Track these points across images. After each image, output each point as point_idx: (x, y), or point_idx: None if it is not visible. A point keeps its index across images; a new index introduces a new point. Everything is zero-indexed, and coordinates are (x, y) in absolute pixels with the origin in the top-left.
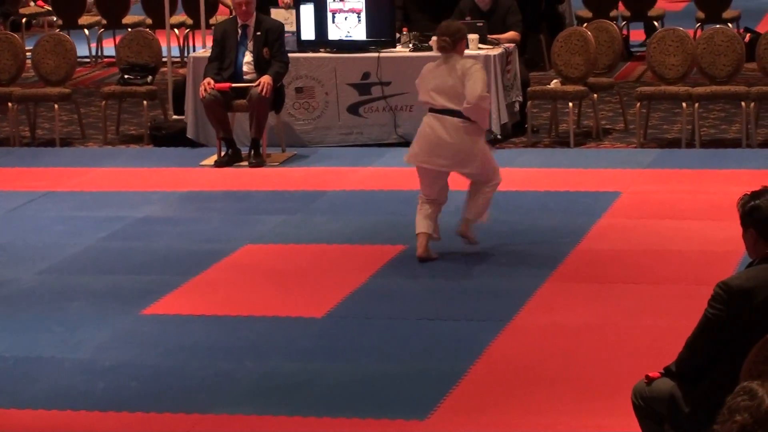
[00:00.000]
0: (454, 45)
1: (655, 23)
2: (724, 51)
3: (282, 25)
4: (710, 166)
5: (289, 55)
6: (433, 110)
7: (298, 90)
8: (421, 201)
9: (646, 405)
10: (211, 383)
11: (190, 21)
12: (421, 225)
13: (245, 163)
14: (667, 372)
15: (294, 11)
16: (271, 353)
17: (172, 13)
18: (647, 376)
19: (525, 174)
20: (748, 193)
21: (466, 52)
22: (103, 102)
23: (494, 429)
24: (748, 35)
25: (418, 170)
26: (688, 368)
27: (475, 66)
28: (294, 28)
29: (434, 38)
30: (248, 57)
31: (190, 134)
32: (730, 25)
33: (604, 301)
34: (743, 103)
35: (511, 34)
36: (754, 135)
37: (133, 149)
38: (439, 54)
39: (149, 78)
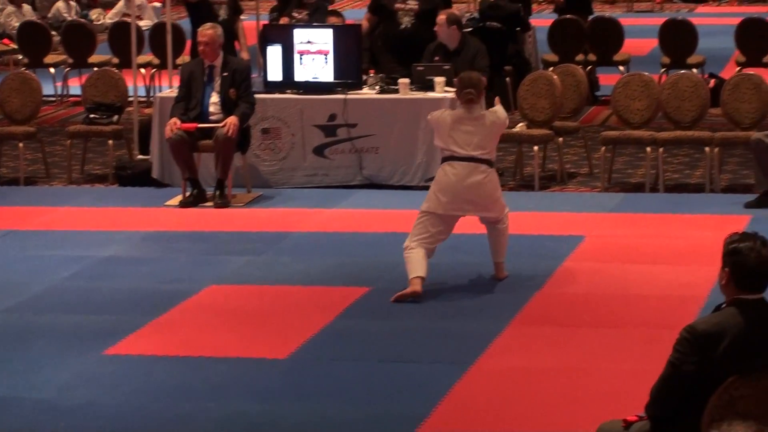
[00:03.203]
0: (479, 95)
1: (621, 68)
2: (689, 96)
3: (249, 66)
4: (674, 211)
5: (256, 95)
6: (454, 158)
7: (265, 131)
8: (416, 245)
9: None
10: (174, 424)
11: (156, 61)
12: (420, 269)
13: (210, 203)
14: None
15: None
16: (234, 395)
17: (139, 52)
18: (625, 420)
19: None
20: (739, 232)
21: (432, 95)
22: (69, 141)
23: None
24: (712, 81)
25: (430, 219)
26: (657, 411)
27: (500, 114)
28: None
29: (454, 91)
30: (215, 97)
31: (155, 174)
32: (694, 70)
33: (567, 345)
34: (707, 149)
35: None
36: (717, 180)
37: (98, 189)
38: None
39: (115, 117)
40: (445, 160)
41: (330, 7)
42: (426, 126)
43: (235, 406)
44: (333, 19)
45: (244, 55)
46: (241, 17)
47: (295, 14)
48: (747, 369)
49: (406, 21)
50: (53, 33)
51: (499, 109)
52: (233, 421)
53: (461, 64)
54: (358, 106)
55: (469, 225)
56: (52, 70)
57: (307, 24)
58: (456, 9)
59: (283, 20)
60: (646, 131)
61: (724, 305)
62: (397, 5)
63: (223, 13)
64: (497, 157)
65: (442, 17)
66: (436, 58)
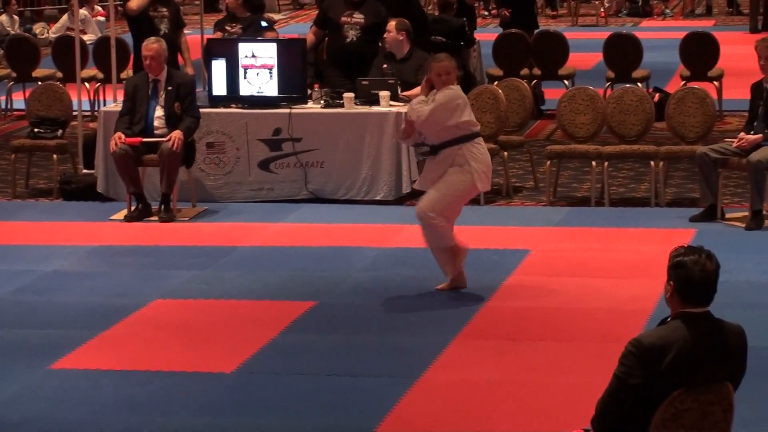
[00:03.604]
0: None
1: (566, 82)
2: (634, 110)
3: (194, 80)
4: (619, 225)
5: (201, 110)
6: (479, 135)
7: (209, 145)
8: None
9: None
10: None
11: (101, 75)
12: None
13: (155, 217)
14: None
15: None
16: (180, 408)
17: (83, 66)
18: None
19: None
20: (684, 246)
21: (377, 109)
22: (13, 155)
23: None
24: (657, 95)
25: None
26: (603, 425)
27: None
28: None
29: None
30: (159, 111)
31: (100, 188)
32: (639, 84)
33: (512, 359)
34: (652, 163)
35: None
36: (662, 194)
37: (42, 203)
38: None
39: (59, 132)
40: (474, 135)
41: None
42: (371, 140)
43: (181, 420)
44: (270, 35)
45: (189, 70)
46: (184, 31)
47: (228, 29)
48: (692, 382)
49: (351, 34)
50: None
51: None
52: None
53: (407, 72)
54: (303, 120)
55: (414, 239)
56: None
57: (252, 38)
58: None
59: (217, 35)
60: (591, 145)
61: (669, 319)
62: (343, 19)
63: (165, 27)
64: None
65: (392, 23)
66: (385, 66)
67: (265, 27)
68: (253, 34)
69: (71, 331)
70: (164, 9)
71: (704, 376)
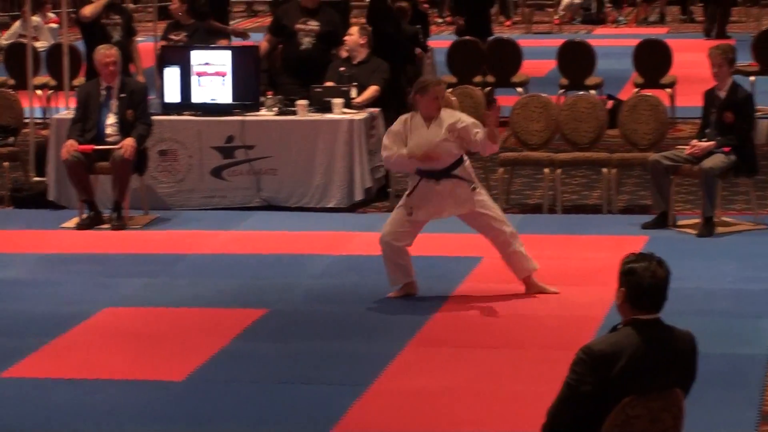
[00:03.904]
0: (412, 96)
1: (519, 89)
2: (587, 118)
3: (146, 88)
4: (571, 232)
5: (153, 117)
6: None
7: (162, 153)
8: None
9: None
10: None
11: (53, 82)
12: None
13: (107, 225)
14: None
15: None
16: (131, 416)
17: (35, 73)
18: None
19: None
20: (635, 253)
21: (330, 116)
22: None
23: None
24: (610, 102)
25: None
26: None
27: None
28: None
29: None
30: (112, 119)
31: (51, 196)
32: (592, 92)
33: (464, 366)
34: (605, 170)
35: (372, 89)
36: (615, 201)
37: None
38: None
39: (11, 139)
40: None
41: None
42: (324, 147)
43: (132, 428)
44: (223, 42)
45: (140, 78)
46: (136, 39)
47: (172, 37)
48: (643, 389)
49: (306, 42)
50: None
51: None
52: None
53: (364, 76)
54: (256, 127)
55: (367, 246)
56: None
57: (206, 45)
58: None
59: (162, 43)
60: (544, 152)
61: (620, 325)
62: (298, 26)
63: (117, 35)
64: (395, 178)
65: (354, 28)
66: (342, 69)
67: (220, 35)
68: (199, 41)
69: (21, 339)
70: (117, 17)
71: (655, 383)
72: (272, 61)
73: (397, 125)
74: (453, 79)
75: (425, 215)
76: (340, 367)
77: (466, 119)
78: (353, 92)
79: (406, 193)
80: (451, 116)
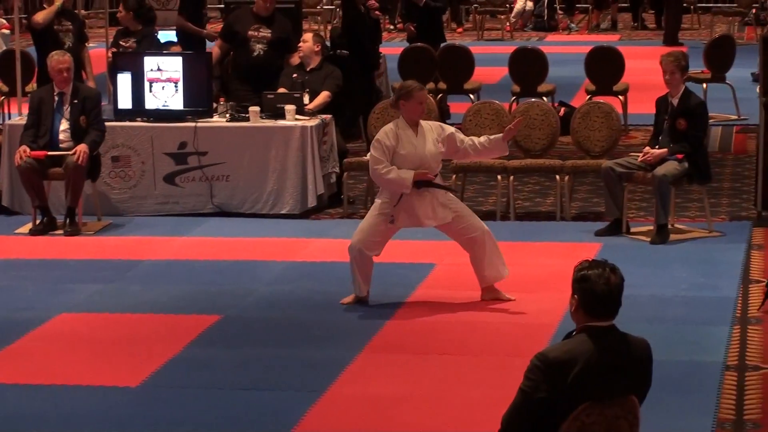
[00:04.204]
0: (395, 104)
1: (471, 96)
2: (539, 124)
3: (99, 94)
4: (525, 239)
5: (106, 123)
6: None
7: (115, 159)
8: None
9: None
10: None
11: (5, 88)
12: None
13: (60, 231)
14: None
15: None
16: (85, 422)
17: None
18: None
19: (341, 245)
20: (588, 260)
21: (283, 123)
22: None
23: None
24: (562, 109)
25: None
26: None
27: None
28: None
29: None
30: (65, 125)
31: (5, 202)
32: (545, 98)
33: (418, 372)
34: (557, 177)
35: (323, 94)
36: (568, 208)
37: None
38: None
39: None
40: None
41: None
42: (276, 154)
43: None
44: (175, 48)
45: (91, 84)
46: (87, 45)
47: (122, 43)
48: (598, 396)
49: (258, 48)
50: None
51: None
52: None
53: (316, 82)
54: (209, 134)
55: (320, 253)
56: None
57: (158, 52)
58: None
59: (112, 50)
60: (497, 159)
61: (574, 332)
62: (250, 33)
63: (69, 41)
64: (348, 185)
65: (309, 34)
66: (294, 75)
67: (171, 42)
68: (147, 47)
69: None
70: (68, 23)
71: (610, 390)
72: (224, 67)
73: (386, 138)
74: None
75: (406, 223)
76: (295, 374)
77: (446, 127)
78: (306, 98)
79: (387, 202)
80: (430, 126)
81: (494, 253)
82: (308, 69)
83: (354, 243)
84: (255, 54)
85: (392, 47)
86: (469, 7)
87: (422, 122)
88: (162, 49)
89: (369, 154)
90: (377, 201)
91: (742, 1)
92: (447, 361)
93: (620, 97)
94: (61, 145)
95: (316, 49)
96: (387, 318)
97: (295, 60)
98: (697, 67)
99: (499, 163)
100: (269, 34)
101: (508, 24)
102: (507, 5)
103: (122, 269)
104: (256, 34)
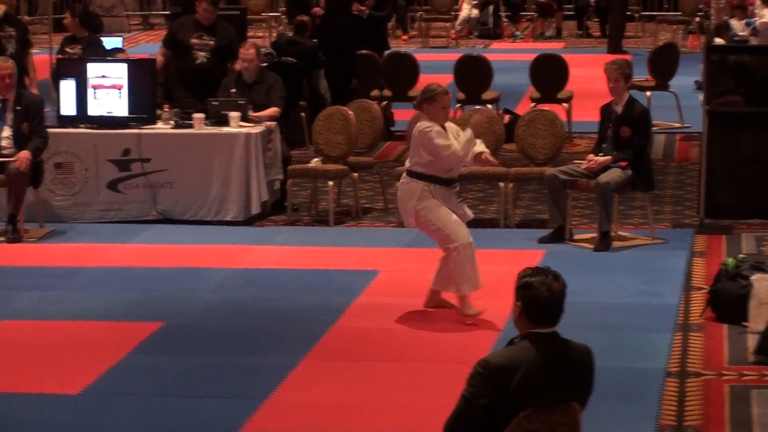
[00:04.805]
0: (419, 106)
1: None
2: (484, 132)
3: (42, 100)
4: None
5: (49, 130)
6: None
7: (57, 165)
8: None
9: None
10: None
11: None
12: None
13: (2, 238)
14: None
15: None
16: (26, 430)
17: None
18: None
19: (284, 252)
20: (531, 267)
21: (227, 129)
22: None
23: None
24: (507, 116)
25: None
26: None
27: (432, 129)
28: None
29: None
30: (7, 131)
31: None
32: (489, 106)
33: (362, 379)
34: (501, 184)
35: (272, 110)
36: (512, 215)
37: None
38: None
39: None
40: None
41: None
42: (220, 161)
43: None
44: (121, 56)
45: (34, 90)
46: (31, 51)
47: (68, 50)
48: (540, 402)
49: (201, 56)
50: None
51: (420, 122)
52: None
53: (257, 96)
54: (153, 140)
55: (263, 259)
56: None
57: (102, 58)
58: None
59: (57, 56)
60: None
61: (517, 339)
62: (193, 40)
63: (12, 47)
64: (292, 192)
65: (249, 43)
66: (232, 90)
67: (116, 48)
68: (93, 54)
69: None
70: (12, 29)
71: (552, 396)
72: (168, 74)
73: (434, 126)
74: None
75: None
76: (237, 381)
77: (464, 131)
78: (249, 113)
79: (426, 192)
80: (453, 127)
81: (464, 266)
82: (249, 81)
83: (466, 240)
84: (198, 62)
85: None
86: (414, 14)
87: (447, 123)
88: (108, 55)
89: (435, 143)
90: (415, 204)
91: (685, 9)
92: (390, 367)
93: (564, 104)
94: (3, 152)
95: (256, 61)
96: (330, 324)
97: (239, 65)
98: (641, 75)
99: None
100: (212, 42)
101: (453, 31)
102: (452, 12)
103: (65, 276)
104: (198, 41)
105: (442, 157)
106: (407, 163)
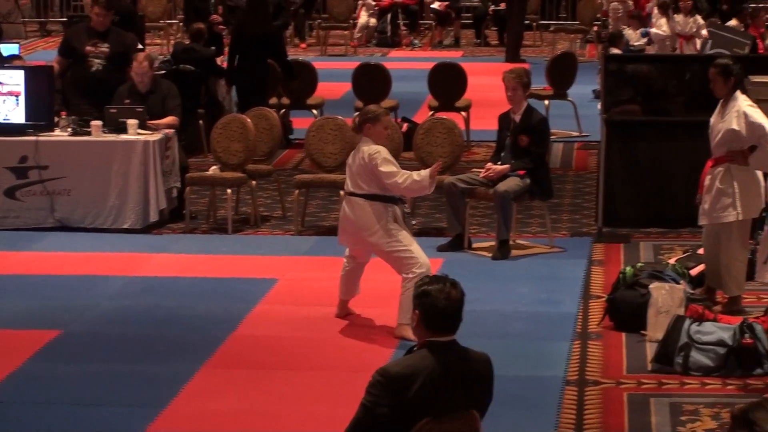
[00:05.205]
0: (358, 127)
1: (314, 111)
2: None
3: None
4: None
5: None
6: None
7: None
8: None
9: None
10: None
11: None
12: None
13: None
14: None
15: None
16: None
17: None
18: None
19: (182, 260)
20: (429, 275)
21: (125, 137)
22: None
23: None
24: (405, 125)
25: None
26: None
27: (379, 154)
28: None
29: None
30: None
31: None
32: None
33: (260, 388)
34: None
35: (169, 119)
36: (410, 223)
37: None
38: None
39: None
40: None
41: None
42: (118, 168)
43: None
44: (18, 62)
45: None
46: None
47: None
48: (439, 410)
49: (96, 63)
50: None
51: (368, 146)
52: None
53: (153, 106)
54: (50, 148)
55: (161, 267)
56: None
57: None
58: (149, 51)
59: None
60: (340, 174)
61: (416, 347)
62: (88, 48)
63: None
64: (190, 199)
65: (141, 54)
66: (127, 101)
67: (12, 55)
68: None
69: None
70: None
71: (451, 404)
72: (66, 81)
73: (381, 152)
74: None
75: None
76: (136, 389)
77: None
78: None
79: (390, 220)
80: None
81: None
82: (143, 92)
83: (428, 267)
84: (93, 69)
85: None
86: (312, 22)
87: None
88: (4, 62)
89: (380, 169)
90: (382, 226)
91: (583, 18)
92: (289, 376)
93: (463, 113)
94: None
95: (151, 74)
96: (228, 333)
97: (134, 77)
98: (539, 83)
99: (342, 178)
100: (106, 49)
101: (354, 39)
102: (350, 21)
103: None
104: (93, 49)
105: (384, 183)
106: (351, 187)
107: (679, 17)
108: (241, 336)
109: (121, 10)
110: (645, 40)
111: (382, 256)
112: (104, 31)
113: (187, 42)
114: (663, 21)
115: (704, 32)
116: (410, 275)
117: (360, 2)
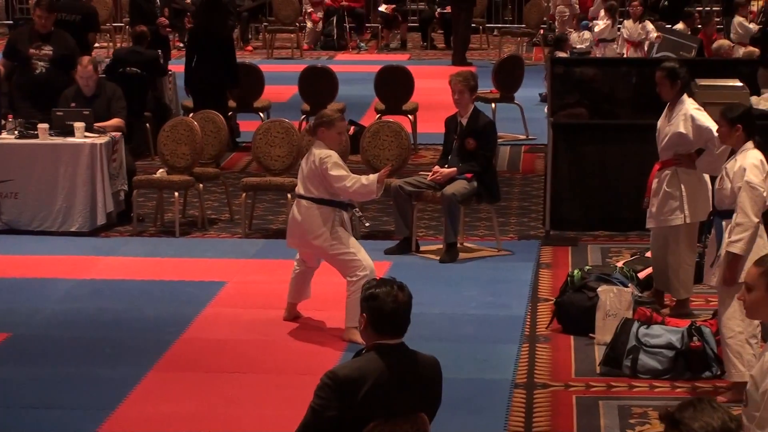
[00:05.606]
0: (314, 131)
1: (261, 114)
2: None
3: None
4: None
5: None
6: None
7: None
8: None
9: None
10: None
11: None
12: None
13: None
14: None
15: None
16: None
17: None
18: None
19: (130, 263)
20: (377, 278)
21: (72, 140)
22: None
23: None
24: (352, 128)
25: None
26: None
27: (330, 159)
28: None
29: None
30: None
31: None
32: None
33: (208, 391)
34: None
35: (115, 121)
36: (358, 226)
37: None
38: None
39: None
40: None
41: None
42: (65, 171)
43: None
44: None
45: None
46: None
47: None
48: (388, 413)
49: (40, 66)
50: None
51: (319, 150)
52: None
53: (98, 109)
54: None
55: (109, 270)
56: None
57: None
58: (95, 54)
59: None
60: (287, 177)
61: (364, 350)
62: (31, 51)
63: None
64: (137, 202)
65: (85, 59)
66: (72, 104)
67: None
68: None
69: None
70: None
71: (400, 407)
72: (12, 84)
73: (332, 156)
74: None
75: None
76: (84, 392)
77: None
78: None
79: (335, 224)
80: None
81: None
82: (89, 95)
83: (372, 270)
84: (37, 72)
85: (182, 65)
86: (258, 25)
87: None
88: None
89: (330, 173)
90: (328, 229)
91: (529, 22)
92: (237, 379)
93: (410, 116)
94: None
95: (95, 77)
96: (177, 336)
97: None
98: (486, 86)
99: (290, 181)
100: (50, 52)
101: (305, 44)
102: (296, 24)
103: None
104: (37, 51)
105: (334, 187)
106: (302, 190)
107: (628, 23)
108: (190, 339)
109: (82, 11)
110: (588, 35)
111: (327, 259)
112: (47, 34)
113: (131, 44)
114: (602, 23)
115: (654, 35)
116: (354, 278)
117: (307, 6)
